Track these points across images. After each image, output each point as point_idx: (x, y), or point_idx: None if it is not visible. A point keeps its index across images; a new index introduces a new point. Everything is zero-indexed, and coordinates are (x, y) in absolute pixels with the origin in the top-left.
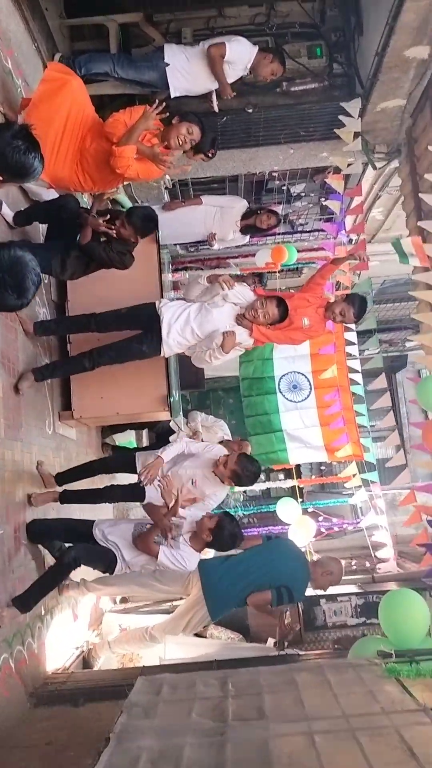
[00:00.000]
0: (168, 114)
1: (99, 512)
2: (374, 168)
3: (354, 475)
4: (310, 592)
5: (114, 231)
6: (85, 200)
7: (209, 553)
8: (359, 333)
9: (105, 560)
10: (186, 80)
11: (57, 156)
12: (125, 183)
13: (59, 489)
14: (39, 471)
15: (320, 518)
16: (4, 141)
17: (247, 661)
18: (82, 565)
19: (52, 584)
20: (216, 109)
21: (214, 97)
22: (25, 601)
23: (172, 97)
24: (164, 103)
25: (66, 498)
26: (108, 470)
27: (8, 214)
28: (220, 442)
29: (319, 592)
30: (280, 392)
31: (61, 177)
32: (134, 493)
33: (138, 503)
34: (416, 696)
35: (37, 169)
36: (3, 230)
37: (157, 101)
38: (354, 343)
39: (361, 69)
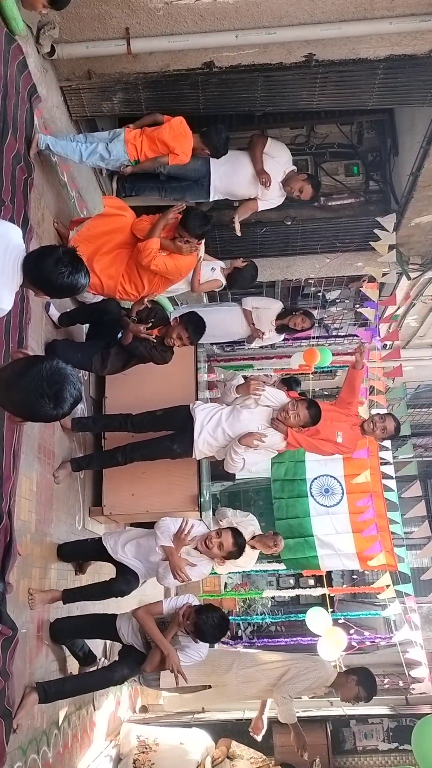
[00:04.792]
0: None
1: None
2: (408, 278)
3: (387, 587)
4: (339, 711)
5: (154, 336)
6: (128, 303)
7: None
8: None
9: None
10: (227, 178)
11: (104, 275)
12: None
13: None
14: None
15: (352, 631)
16: (48, 269)
17: None
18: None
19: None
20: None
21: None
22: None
23: (211, 199)
24: (183, 205)
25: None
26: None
27: (55, 314)
28: (252, 538)
29: (349, 711)
30: (312, 496)
31: (108, 287)
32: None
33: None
34: None
35: (82, 287)
36: (49, 330)
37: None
38: (388, 449)
39: (396, 187)
